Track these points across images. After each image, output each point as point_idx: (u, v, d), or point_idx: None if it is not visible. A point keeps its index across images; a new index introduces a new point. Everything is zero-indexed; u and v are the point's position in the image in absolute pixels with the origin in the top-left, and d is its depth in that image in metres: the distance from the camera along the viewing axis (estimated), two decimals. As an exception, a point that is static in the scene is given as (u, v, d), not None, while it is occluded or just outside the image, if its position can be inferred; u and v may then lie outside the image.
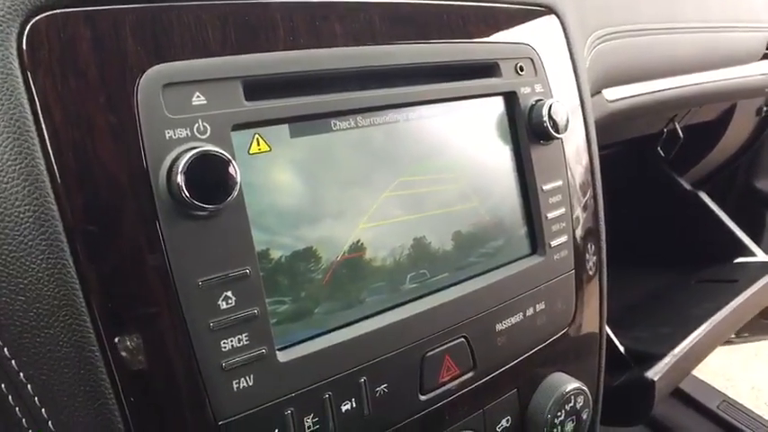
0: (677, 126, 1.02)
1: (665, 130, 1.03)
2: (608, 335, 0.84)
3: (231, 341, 0.35)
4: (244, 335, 0.35)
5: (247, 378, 0.35)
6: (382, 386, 0.41)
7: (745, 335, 1.74)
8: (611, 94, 0.77)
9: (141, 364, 0.33)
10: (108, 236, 0.33)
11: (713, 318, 0.85)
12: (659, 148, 1.04)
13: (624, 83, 0.79)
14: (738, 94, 1.02)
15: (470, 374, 0.46)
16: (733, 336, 1.76)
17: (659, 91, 0.84)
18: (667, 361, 0.78)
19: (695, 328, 0.83)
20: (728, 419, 1.35)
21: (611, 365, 0.83)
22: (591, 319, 0.57)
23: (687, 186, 1.13)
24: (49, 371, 0.32)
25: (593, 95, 0.74)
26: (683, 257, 1.13)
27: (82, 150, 0.32)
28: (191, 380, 0.34)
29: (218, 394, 0.35)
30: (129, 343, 0.33)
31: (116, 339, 0.33)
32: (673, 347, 0.80)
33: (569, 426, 0.51)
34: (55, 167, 0.32)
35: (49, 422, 0.33)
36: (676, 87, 0.86)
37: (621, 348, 0.83)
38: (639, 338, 0.86)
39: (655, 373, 0.76)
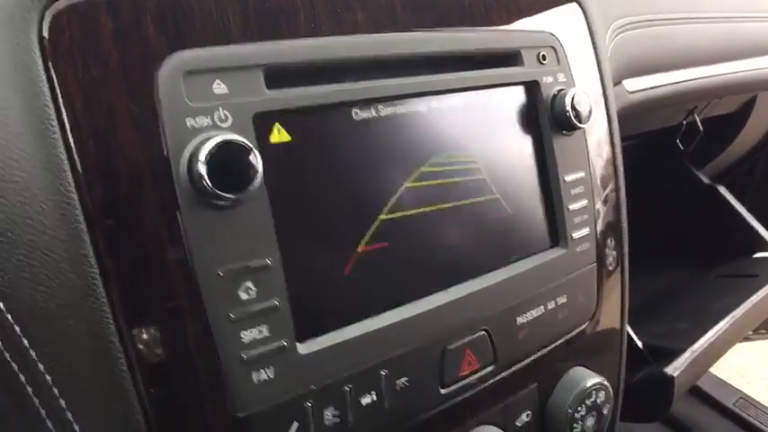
0: (697, 118, 1.00)
1: (685, 122, 1.01)
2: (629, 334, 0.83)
3: (251, 332, 0.35)
4: (264, 326, 0.35)
5: (267, 370, 0.35)
6: (402, 379, 0.40)
7: (763, 331, 1.72)
8: (631, 84, 0.75)
9: (161, 355, 0.33)
10: (128, 225, 0.32)
11: (733, 313, 0.83)
12: (678, 141, 1.03)
13: (645, 73, 0.77)
14: (759, 85, 1.00)
15: (491, 368, 0.45)
16: (750, 332, 1.74)
17: (680, 82, 0.82)
18: (687, 356, 0.77)
19: (715, 324, 0.82)
20: (746, 417, 1.33)
21: (630, 361, 0.82)
22: (612, 313, 0.56)
23: (706, 180, 1.11)
24: (69, 362, 0.32)
25: (613, 86, 0.73)
26: (702, 252, 1.11)
27: (103, 139, 0.32)
28: (210, 371, 0.34)
29: (239, 386, 0.34)
30: (148, 334, 0.33)
31: (136, 330, 0.32)
32: (692, 343, 0.79)
33: (590, 421, 0.51)
34: (76, 156, 0.31)
35: (68, 413, 0.33)
36: (697, 78, 0.85)
37: (640, 344, 0.82)
38: (658, 334, 0.84)
39: (674, 368, 0.75)
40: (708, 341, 0.79)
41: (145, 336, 0.33)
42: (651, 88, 0.78)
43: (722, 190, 1.11)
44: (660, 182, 1.15)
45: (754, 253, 1.07)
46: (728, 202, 1.09)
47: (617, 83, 0.73)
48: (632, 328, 0.83)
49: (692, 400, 1.41)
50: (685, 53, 0.82)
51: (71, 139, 0.31)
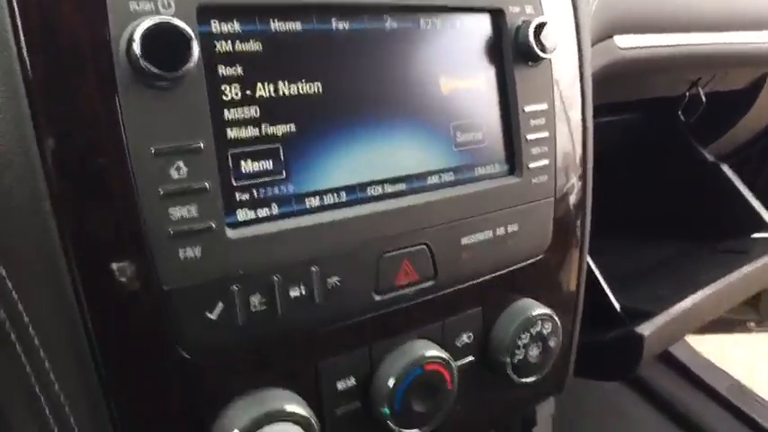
0: (700, 90, 0.98)
1: (688, 93, 0.99)
2: (604, 291, 0.83)
3: (180, 210, 0.36)
4: (193, 206, 0.36)
5: (194, 249, 0.36)
6: (334, 279, 0.41)
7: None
8: (623, 41, 0.74)
9: (90, 222, 0.34)
10: (67, 96, 0.34)
11: (714, 284, 0.83)
12: (680, 113, 1.01)
13: (639, 32, 0.76)
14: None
15: (431, 283, 0.46)
16: (753, 324, 1.71)
17: (678, 45, 0.81)
18: (660, 319, 0.76)
19: (694, 292, 0.81)
20: (736, 403, 1.32)
21: (606, 322, 0.82)
22: (569, 252, 0.56)
23: (708, 157, 1.09)
24: (4, 221, 0.34)
25: (602, 40, 0.72)
26: (701, 229, 1.09)
27: (47, 15, 0.33)
28: (138, 244, 0.35)
29: (165, 261, 0.36)
30: (78, 199, 0.34)
31: (67, 195, 0.34)
32: (668, 308, 0.79)
33: (534, 351, 0.51)
34: (20, 27, 0.33)
35: (2, 269, 0.35)
36: (698, 44, 0.83)
37: (617, 306, 0.81)
38: (637, 298, 0.84)
39: (645, 328, 0.75)
40: (684, 307, 0.79)
41: (75, 201, 0.34)
42: (645, 47, 0.77)
43: (725, 168, 1.09)
44: (661, 156, 1.13)
45: (753, 233, 1.05)
46: (730, 181, 1.07)
47: (607, 36, 0.72)
48: (614, 293, 0.83)
49: (683, 384, 1.40)
50: (685, 15, 0.80)
51: (17, 13, 0.33)
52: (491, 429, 0.61)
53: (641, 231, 1.18)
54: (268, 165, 0.40)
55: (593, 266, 0.84)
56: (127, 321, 0.36)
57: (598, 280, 0.84)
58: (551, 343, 0.52)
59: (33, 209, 0.34)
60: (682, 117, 1.00)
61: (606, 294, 0.83)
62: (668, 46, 0.79)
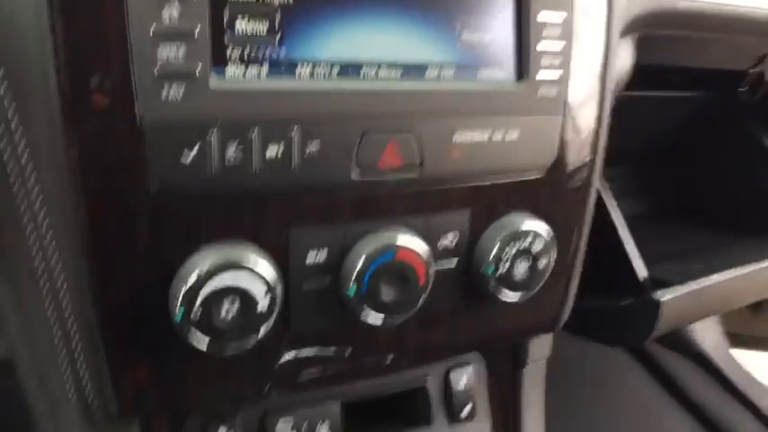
0: (766, 70, 0.92)
1: (751, 71, 0.93)
2: (629, 258, 0.80)
3: (168, 51, 0.37)
4: (181, 49, 0.37)
5: (177, 89, 0.37)
6: (314, 144, 0.41)
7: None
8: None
9: (82, 56, 0.36)
10: None
11: (743, 267, 0.78)
12: (741, 91, 0.95)
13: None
14: None
15: (416, 173, 0.45)
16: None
17: (740, 6, 0.76)
18: (680, 289, 0.73)
19: (721, 271, 0.77)
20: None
21: (630, 290, 0.78)
22: (575, 178, 0.53)
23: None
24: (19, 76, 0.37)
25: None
26: (754, 219, 1.03)
27: None
28: (124, 80, 0.37)
29: (147, 99, 0.37)
30: (75, 33, 0.36)
31: (65, 27, 0.36)
32: (691, 280, 0.75)
33: (522, 266, 0.49)
34: None
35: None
36: (761, 9, 0.78)
37: (641, 273, 0.78)
38: (666, 269, 0.80)
39: (663, 294, 0.71)
40: (710, 283, 0.75)
41: (72, 32, 0.36)
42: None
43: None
44: (722, 140, 1.07)
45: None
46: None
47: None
48: (649, 266, 0.80)
49: (722, 393, 1.33)
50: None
51: None
52: (476, 350, 0.59)
53: (693, 215, 1.12)
54: (263, 26, 0.40)
55: (624, 236, 0.81)
56: (106, 154, 0.38)
57: (626, 249, 0.81)
58: (541, 263, 0.50)
59: (36, 36, 0.36)
60: (742, 95, 0.94)
61: (630, 262, 0.79)
62: (728, 4, 0.75)
